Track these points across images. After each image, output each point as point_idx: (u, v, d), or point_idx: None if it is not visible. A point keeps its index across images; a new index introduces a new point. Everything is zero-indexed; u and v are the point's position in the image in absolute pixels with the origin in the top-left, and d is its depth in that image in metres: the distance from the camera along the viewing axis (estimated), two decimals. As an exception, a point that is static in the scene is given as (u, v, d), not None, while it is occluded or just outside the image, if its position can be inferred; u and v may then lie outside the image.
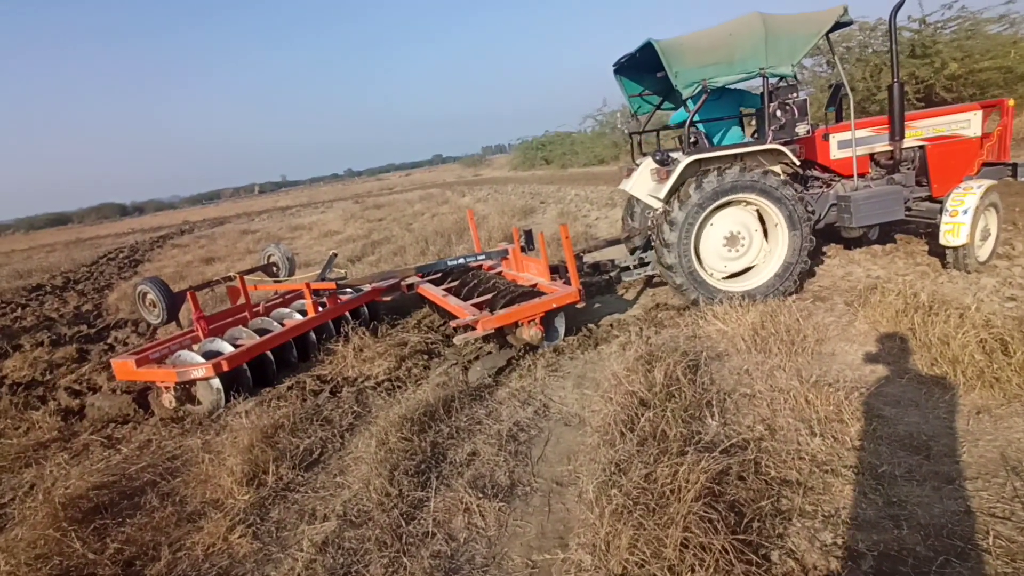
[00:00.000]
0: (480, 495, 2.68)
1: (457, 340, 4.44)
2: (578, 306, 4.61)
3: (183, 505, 3.05)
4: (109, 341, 6.97)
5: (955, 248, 4.67)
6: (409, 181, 53.96)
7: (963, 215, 4.54)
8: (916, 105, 12.70)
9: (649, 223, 5.86)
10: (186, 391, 4.39)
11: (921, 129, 5.15)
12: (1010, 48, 12.49)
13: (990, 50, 12.64)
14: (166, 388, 4.38)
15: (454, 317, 4.65)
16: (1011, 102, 5.14)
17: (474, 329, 4.32)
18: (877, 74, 13.52)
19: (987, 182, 4.72)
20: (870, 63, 13.83)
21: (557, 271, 5.18)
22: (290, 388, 4.35)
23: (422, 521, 2.60)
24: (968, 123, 5.15)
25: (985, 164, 5.18)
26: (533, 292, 4.77)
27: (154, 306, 5.26)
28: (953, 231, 4.60)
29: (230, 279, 5.94)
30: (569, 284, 4.63)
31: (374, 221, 17.23)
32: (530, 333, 4.45)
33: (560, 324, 4.68)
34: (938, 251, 5.05)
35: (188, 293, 5.19)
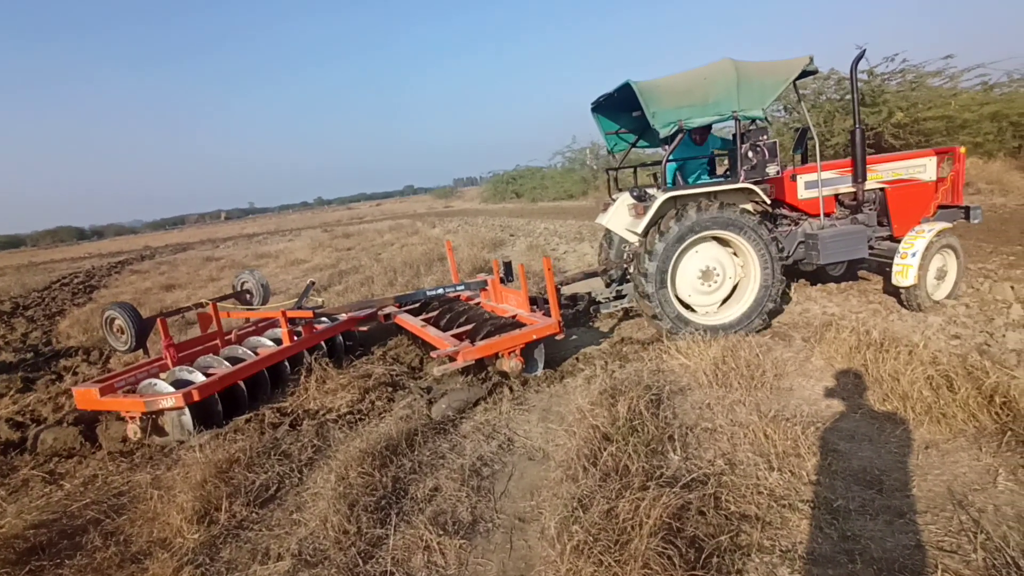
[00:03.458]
0: (441, 532, 2.63)
1: (436, 371, 4.40)
2: (557, 338, 4.65)
3: (128, 545, 2.90)
4: (57, 370, 6.67)
5: (906, 288, 4.89)
6: (380, 211, 53.82)
7: (911, 257, 4.78)
8: (867, 151, 13.37)
9: (625, 256, 5.98)
10: (153, 422, 4.22)
11: (881, 172, 5.43)
12: (951, 100, 13.34)
13: (932, 101, 13.47)
14: (131, 418, 4.21)
15: (432, 348, 4.62)
16: (963, 149, 5.49)
17: (454, 360, 4.30)
18: (831, 120, 14.22)
19: (940, 225, 4.98)
20: (824, 109, 14.55)
21: (536, 302, 5.22)
22: (248, 421, 4.21)
23: (380, 560, 2.53)
24: (924, 168, 5.47)
25: (940, 207, 5.48)
26: (514, 323, 4.79)
27: (122, 332, 5.08)
28: (903, 272, 4.83)
29: (202, 306, 5.79)
30: (549, 316, 4.66)
31: (343, 250, 17.08)
32: (510, 364, 4.45)
33: (539, 356, 4.69)
34: (891, 289, 5.27)
35: (158, 320, 5.04)
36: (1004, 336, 4.14)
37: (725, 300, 5.16)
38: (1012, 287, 5.13)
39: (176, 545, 2.83)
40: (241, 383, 4.60)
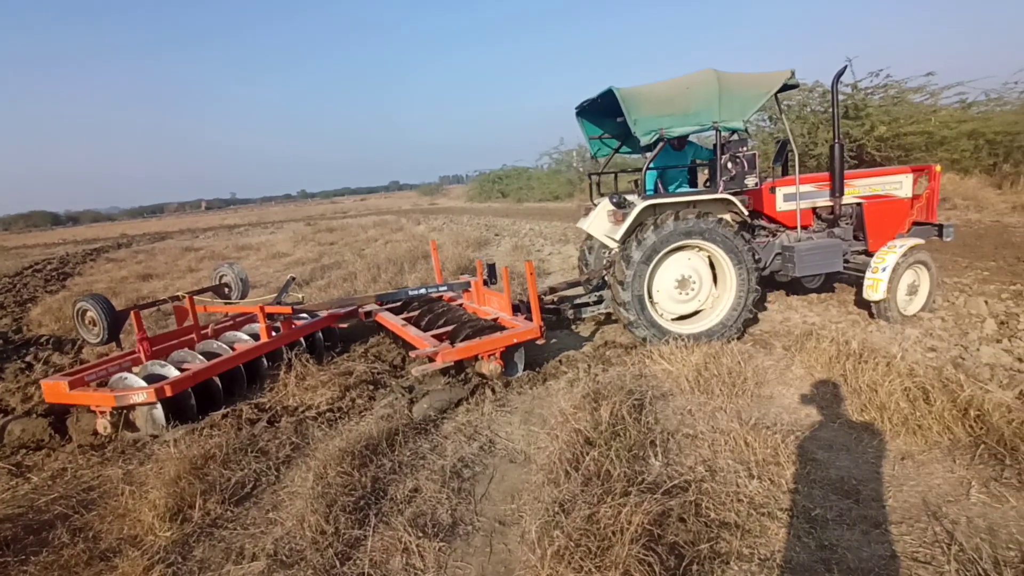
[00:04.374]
0: (420, 534, 2.60)
1: (415, 371, 4.36)
2: (538, 343, 4.64)
3: (96, 542, 2.83)
4: (27, 359, 6.49)
5: (875, 302, 4.98)
6: (364, 206, 53.42)
7: (882, 272, 4.87)
8: (850, 162, 13.62)
9: (604, 262, 5.99)
10: (124, 417, 4.13)
11: (859, 187, 5.50)
12: (931, 116, 13.64)
13: (913, 116, 13.76)
14: (101, 413, 4.11)
15: (412, 347, 4.58)
16: (938, 168, 5.59)
17: (433, 360, 4.26)
18: (814, 131, 14.45)
19: (912, 241, 5.07)
20: (808, 121, 14.78)
21: (518, 307, 5.20)
22: (225, 416, 4.14)
23: (358, 561, 2.50)
24: (900, 184, 5.56)
25: (915, 223, 5.58)
26: (495, 326, 4.77)
27: (94, 324, 4.95)
28: (873, 286, 4.92)
29: (178, 299, 5.67)
30: (530, 320, 4.65)
31: (325, 245, 16.91)
32: (490, 367, 4.43)
33: (520, 359, 4.68)
34: (864, 302, 5.34)
35: (132, 312, 4.92)
36: (978, 350, 4.23)
37: (700, 309, 5.20)
38: (986, 302, 5.25)
39: (147, 543, 2.76)
40: (216, 378, 4.52)
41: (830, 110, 14.70)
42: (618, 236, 4.90)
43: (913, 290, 5.18)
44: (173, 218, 78.51)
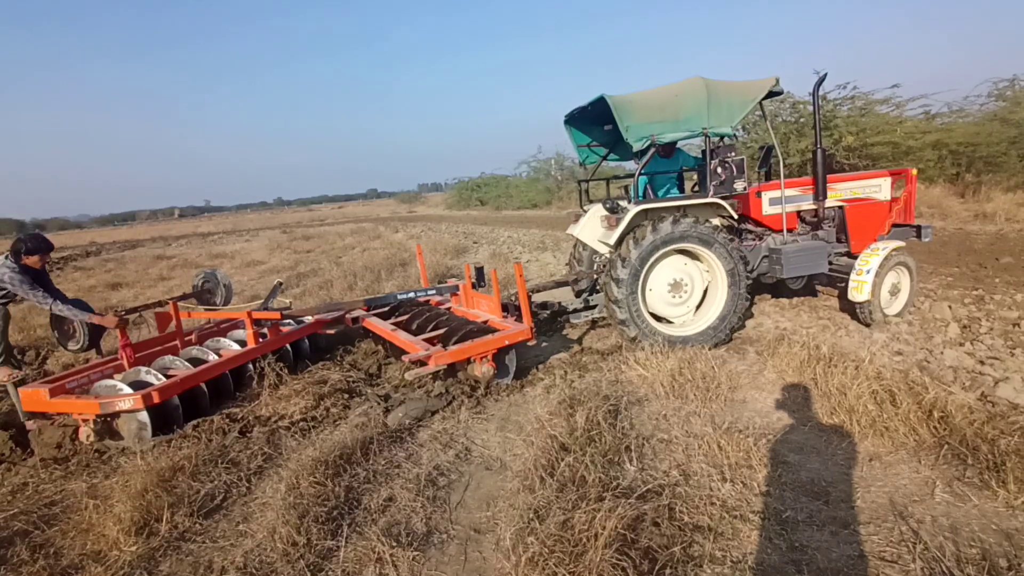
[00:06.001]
0: (394, 544, 2.57)
1: (408, 375, 4.34)
2: (529, 344, 4.65)
3: (58, 558, 2.74)
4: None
5: (860, 303, 5.10)
6: (342, 214, 53.04)
7: (866, 274, 5.00)
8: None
9: (596, 267, 6.05)
10: (107, 425, 4.02)
11: (841, 191, 5.64)
12: (896, 126, 14.06)
13: (879, 127, 14.16)
14: (84, 421, 4.00)
15: (402, 352, 4.55)
16: (914, 171, 5.76)
17: (426, 364, 4.24)
18: (785, 141, 14.80)
19: (894, 243, 5.22)
20: (779, 131, 15.13)
21: (507, 309, 5.20)
22: (195, 427, 4.05)
23: (330, 573, 2.46)
24: (879, 188, 5.72)
25: (894, 225, 5.74)
26: (486, 328, 4.76)
27: (73, 331, 4.80)
28: (858, 288, 5.04)
29: (161, 304, 5.55)
30: (520, 322, 4.65)
31: (301, 252, 16.74)
32: (482, 370, 4.42)
33: (511, 362, 4.67)
34: (841, 306, 5.45)
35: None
36: (942, 353, 4.34)
37: (697, 308, 5.26)
38: (950, 307, 5.40)
39: (111, 558, 2.68)
40: (203, 385, 4.45)
41: (801, 120, 15.11)
42: (612, 240, 4.95)
43: (895, 291, 5.32)
44: (145, 226, 77.01)
